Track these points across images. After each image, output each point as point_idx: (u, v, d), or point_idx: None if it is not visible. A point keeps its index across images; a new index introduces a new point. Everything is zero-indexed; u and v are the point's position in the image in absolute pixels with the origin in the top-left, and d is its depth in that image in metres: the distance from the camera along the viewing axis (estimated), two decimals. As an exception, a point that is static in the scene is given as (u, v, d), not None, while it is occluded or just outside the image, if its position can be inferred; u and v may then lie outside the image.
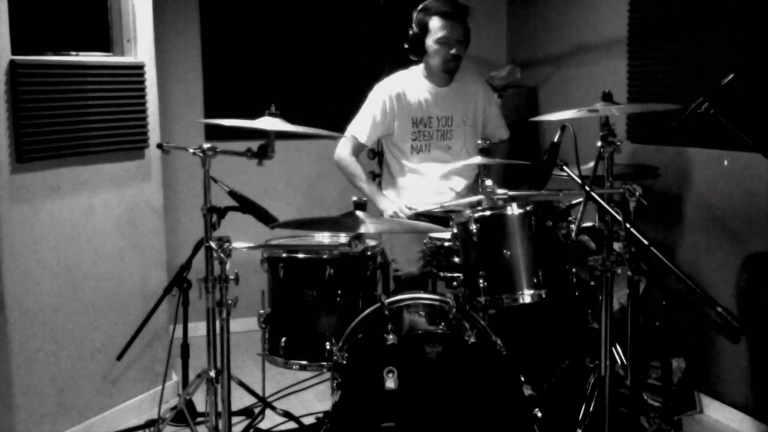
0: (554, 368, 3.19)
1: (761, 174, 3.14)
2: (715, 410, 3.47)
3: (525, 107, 4.61)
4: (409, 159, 3.58)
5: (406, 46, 3.49)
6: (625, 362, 2.90)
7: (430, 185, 3.58)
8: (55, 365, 3.12)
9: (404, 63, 3.64)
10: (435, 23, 3.41)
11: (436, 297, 2.78)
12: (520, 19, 4.95)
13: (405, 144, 3.56)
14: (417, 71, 3.59)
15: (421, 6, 3.46)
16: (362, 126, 3.55)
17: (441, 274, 3.01)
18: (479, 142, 3.21)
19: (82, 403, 3.24)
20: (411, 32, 3.46)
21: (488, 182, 2.83)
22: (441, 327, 2.57)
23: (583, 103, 2.86)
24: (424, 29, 3.43)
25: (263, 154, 2.89)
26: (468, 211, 2.80)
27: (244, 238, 2.71)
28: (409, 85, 3.54)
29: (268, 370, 3.19)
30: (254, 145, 2.91)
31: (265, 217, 2.96)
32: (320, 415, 3.26)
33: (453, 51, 3.43)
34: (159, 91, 3.55)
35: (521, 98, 4.64)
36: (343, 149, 3.61)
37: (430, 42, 3.44)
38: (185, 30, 4.51)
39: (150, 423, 3.39)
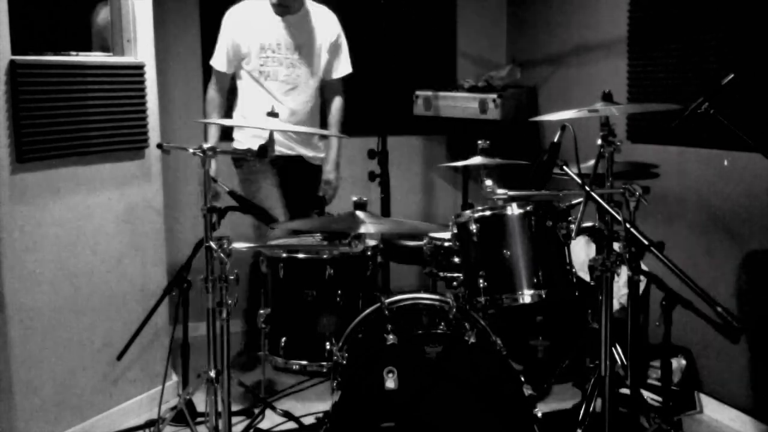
0: (554, 368, 3.20)
1: (761, 174, 3.14)
2: (715, 410, 3.47)
3: (525, 107, 4.61)
4: (258, 82, 3.69)
5: None
6: (625, 362, 2.90)
7: (271, 101, 3.62)
8: (55, 365, 3.12)
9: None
10: None
11: (436, 297, 2.78)
12: (520, 19, 4.95)
13: (254, 70, 3.68)
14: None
15: None
16: (219, 57, 3.74)
17: (441, 274, 3.01)
18: (483, 142, 3.22)
19: (82, 403, 3.24)
20: None
21: (488, 182, 2.83)
22: (441, 327, 2.57)
23: (583, 103, 2.86)
24: None
25: (263, 154, 2.89)
26: (468, 212, 2.81)
27: (244, 238, 2.71)
28: (257, 12, 3.68)
29: (268, 370, 3.19)
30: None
31: (265, 217, 2.96)
32: (320, 415, 3.25)
33: None
34: (159, 91, 3.54)
35: (521, 98, 4.64)
36: (209, 87, 3.81)
37: None
38: (185, 30, 4.50)
39: (150, 423, 3.38)
